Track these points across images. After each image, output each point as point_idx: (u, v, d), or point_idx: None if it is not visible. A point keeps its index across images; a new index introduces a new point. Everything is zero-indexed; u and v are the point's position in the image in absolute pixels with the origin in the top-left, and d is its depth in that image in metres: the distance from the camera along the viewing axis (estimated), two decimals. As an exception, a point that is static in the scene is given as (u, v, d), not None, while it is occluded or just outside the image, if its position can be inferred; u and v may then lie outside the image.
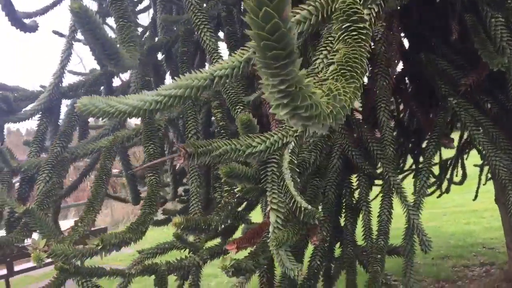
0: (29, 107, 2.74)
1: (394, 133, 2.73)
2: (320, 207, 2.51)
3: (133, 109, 1.29)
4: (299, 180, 1.81)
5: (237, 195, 2.07)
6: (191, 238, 2.55)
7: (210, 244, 2.61)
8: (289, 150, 1.82)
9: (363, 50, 1.08)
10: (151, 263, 2.41)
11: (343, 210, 2.56)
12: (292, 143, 1.85)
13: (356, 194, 2.60)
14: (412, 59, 2.54)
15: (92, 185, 2.38)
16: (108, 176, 2.44)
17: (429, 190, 5.07)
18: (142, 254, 2.48)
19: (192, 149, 1.48)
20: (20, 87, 3.01)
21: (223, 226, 2.25)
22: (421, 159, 3.21)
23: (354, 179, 2.56)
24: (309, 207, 1.71)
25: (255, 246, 2.12)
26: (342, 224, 2.62)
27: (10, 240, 2.01)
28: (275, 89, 0.68)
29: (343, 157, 2.45)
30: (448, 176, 4.66)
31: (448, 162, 4.58)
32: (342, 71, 1.01)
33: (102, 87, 2.98)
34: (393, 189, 2.29)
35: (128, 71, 2.94)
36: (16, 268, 7.05)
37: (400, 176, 3.93)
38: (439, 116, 2.37)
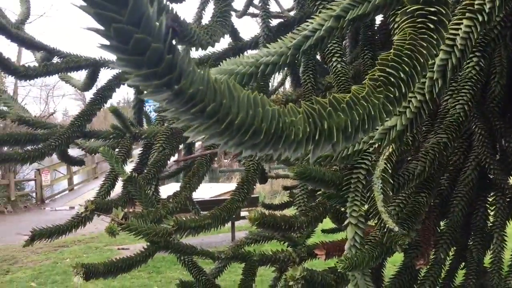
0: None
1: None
2: (442, 223, 2.12)
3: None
4: (391, 193, 1.50)
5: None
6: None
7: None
8: (385, 156, 1.51)
9: (425, 44, 0.76)
10: (244, 251, 2.31)
11: (472, 233, 2.11)
12: (390, 148, 1.54)
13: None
14: None
15: (195, 163, 2.36)
16: (214, 156, 2.40)
17: None
18: (237, 241, 2.39)
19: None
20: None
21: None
22: None
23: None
24: (396, 228, 1.40)
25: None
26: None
27: (107, 204, 2.08)
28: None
29: (479, 170, 2.01)
30: None
31: None
32: (378, 76, 0.72)
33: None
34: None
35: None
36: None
37: None
38: None
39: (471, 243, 2.09)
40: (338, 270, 1.40)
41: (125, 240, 8.89)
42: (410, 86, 0.75)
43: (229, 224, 9.09)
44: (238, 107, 0.45)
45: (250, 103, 0.47)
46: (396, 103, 0.73)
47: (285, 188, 5.02)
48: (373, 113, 0.66)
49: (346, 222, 1.47)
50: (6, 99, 2.60)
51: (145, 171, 2.36)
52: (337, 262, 1.41)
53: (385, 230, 1.41)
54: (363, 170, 1.49)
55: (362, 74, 2.26)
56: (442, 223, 2.13)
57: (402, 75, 0.75)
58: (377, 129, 1.17)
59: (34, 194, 14.88)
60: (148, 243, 2.13)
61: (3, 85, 13.79)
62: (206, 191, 10.15)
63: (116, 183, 2.64)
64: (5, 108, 2.55)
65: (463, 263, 2.26)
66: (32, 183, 14.99)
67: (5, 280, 6.93)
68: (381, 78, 0.73)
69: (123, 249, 8.23)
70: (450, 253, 2.18)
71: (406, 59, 0.77)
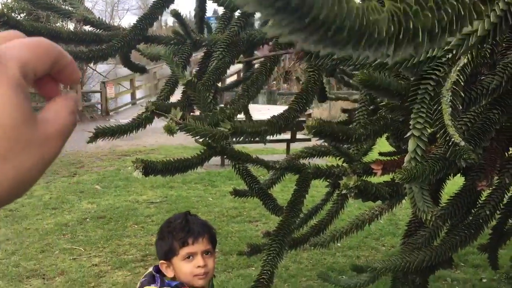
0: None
1: None
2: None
3: None
4: (461, 107, 1.41)
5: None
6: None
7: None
8: (458, 68, 1.40)
9: None
10: (299, 163, 2.31)
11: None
12: (465, 59, 1.43)
13: None
14: None
15: (255, 70, 2.32)
16: (274, 66, 2.34)
17: None
18: (292, 154, 2.39)
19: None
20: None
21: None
22: None
23: None
24: (462, 143, 1.32)
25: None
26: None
27: (167, 107, 2.11)
28: None
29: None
30: None
31: None
32: None
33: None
34: None
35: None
36: (298, 135, 8.79)
37: None
38: None
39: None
40: (396, 181, 1.36)
41: (182, 153, 9.21)
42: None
43: (284, 146, 9.17)
44: (321, 3, 0.41)
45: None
46: (488, 2, 0.64)
47: (344, 110, 4.92)
48: (462, 13, 0.59)
49: (408, 134, 1.41)
50: (72, 0, 2.62)
51: (204, 77, 2.35)
52: (395, 173, 1.38)
53: (450, 144, 1.34)
54: (432, 81, 1.40)
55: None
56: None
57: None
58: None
59: (99, 106, 15.52)
60: (205, 147, 2.17)
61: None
62: (264, 112, 10.19)
63: (176, 89, 2.66)
64: (71, 9, 2.57)
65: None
66: (98, 95, 15.60)
67: (72, 181, 7.44)
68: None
69: (181, 161, 8.53)
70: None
71: None
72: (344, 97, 5.28)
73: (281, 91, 15.74)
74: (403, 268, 2.00)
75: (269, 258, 1.78)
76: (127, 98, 17.43)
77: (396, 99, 1.44)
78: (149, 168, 1.82)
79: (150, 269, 1.70)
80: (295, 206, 2.03)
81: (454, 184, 2.25)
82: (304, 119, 4.07)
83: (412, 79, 1.45)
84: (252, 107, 3.68)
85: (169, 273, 1.65)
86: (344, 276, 4.02)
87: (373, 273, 2.19)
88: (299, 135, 9.19)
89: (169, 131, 1.74)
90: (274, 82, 18.59)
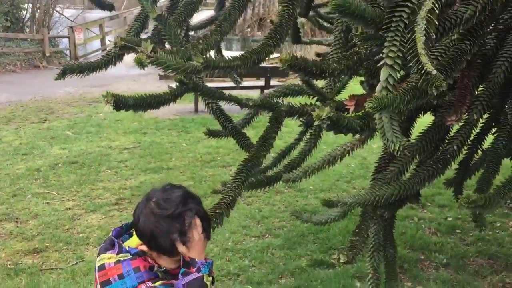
0: None
1: None
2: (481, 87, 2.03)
3: None
4: (435, 36, 1.40)
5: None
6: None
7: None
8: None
9: None
10: (273, 101, 2.30)
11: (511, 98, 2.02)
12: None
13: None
14: None
15: (227, 6, 2.25)
16: (246, 2, 2.27)
17: None
18: (266, 93, 2.37)
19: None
20: None
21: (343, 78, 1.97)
22: None
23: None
24: (434, 72, 1.33)
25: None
26: None
27: (137, 41, 2.04)
28: None
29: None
30: None
31: None
32: None
33: None
34: None
35: None
36: (272, 82, 9.22)
37: None
38: None
39: (507, 105, 2.02)
40: (366, 110, 1.37)
41: (156, 100, 9.07)
42: None
43: (258, 92, 9.13)
44: None
45: None
46: None
47: (318, 55, 4.89)
48: None
49: (381, 63, 1.40)
50: None
51: (176, 12, 2.28)
52: (367, 102, 1.38)
53: (422, 72, 1.34)
54: (407, 9, 1.38)
55: None
56: (481, 87, 2.04)
57: None
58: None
59: (68, 52, 15.04)
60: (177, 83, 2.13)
61: None
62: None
63: (147, 26, 2.58)
64: None
65: (496, 128, 2.21)
66: (66, 40, 15.07)
67: (43, 127, 7.29)
68: None
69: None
70: (484, 117, 2.12)
71: None
72: (318, 41, 5.23)
73: (255, 38, 15.50)
74: (373, 202, 2.05)
75: (234, 185, 1.80)
76: (96, 44, 16.90)
77: (370, 27, 1.43)
78: (120, 102, 1.78)
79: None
80: (266, 141, 2.04)
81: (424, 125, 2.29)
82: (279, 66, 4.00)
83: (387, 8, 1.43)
84: (226, 54, 3.62)
85: (144, 248, 1.40)
86: (316, 217, 4.12)
87: (344, 208, 2.25)
88: (273, 82, 9.19)
89: (140, 64, 1.68)
90: (249, 29, 18.26)
